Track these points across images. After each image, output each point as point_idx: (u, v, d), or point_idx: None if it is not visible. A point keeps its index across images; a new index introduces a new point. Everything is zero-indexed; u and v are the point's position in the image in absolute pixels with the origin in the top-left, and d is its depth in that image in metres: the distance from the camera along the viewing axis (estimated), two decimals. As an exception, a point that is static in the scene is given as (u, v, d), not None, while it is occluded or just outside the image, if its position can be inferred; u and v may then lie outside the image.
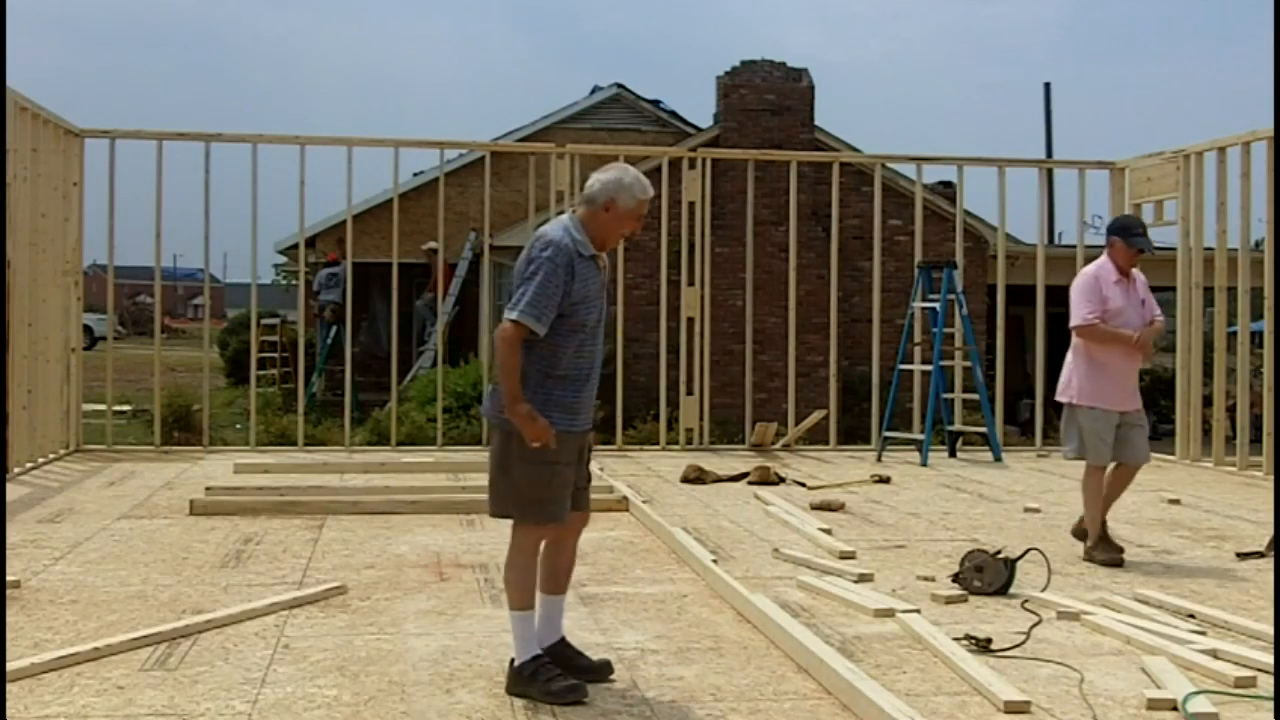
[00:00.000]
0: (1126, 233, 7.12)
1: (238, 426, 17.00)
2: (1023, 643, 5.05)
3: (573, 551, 4.69)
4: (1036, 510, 8.74)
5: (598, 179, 4.52)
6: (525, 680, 4.33)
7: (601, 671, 4.52)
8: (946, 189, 19.24)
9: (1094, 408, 6.96)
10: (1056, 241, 25.23)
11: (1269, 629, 5.18)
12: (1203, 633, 5.22)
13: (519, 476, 4.42)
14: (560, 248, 4.37)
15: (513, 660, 4.43)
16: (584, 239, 4.44)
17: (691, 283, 13.06)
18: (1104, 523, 6.94)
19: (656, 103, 23.83)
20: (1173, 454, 12.18)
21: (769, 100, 19.31)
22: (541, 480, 4.40)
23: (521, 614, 4.44)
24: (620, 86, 23.49)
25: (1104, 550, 6.80)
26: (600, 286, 4.51)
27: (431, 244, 19.13)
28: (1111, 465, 7.07)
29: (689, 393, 12.87)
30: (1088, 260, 13.28)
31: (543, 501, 4.43)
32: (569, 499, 4.50)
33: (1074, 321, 7.06)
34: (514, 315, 4.33)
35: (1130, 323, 6.99)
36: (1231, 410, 12.21)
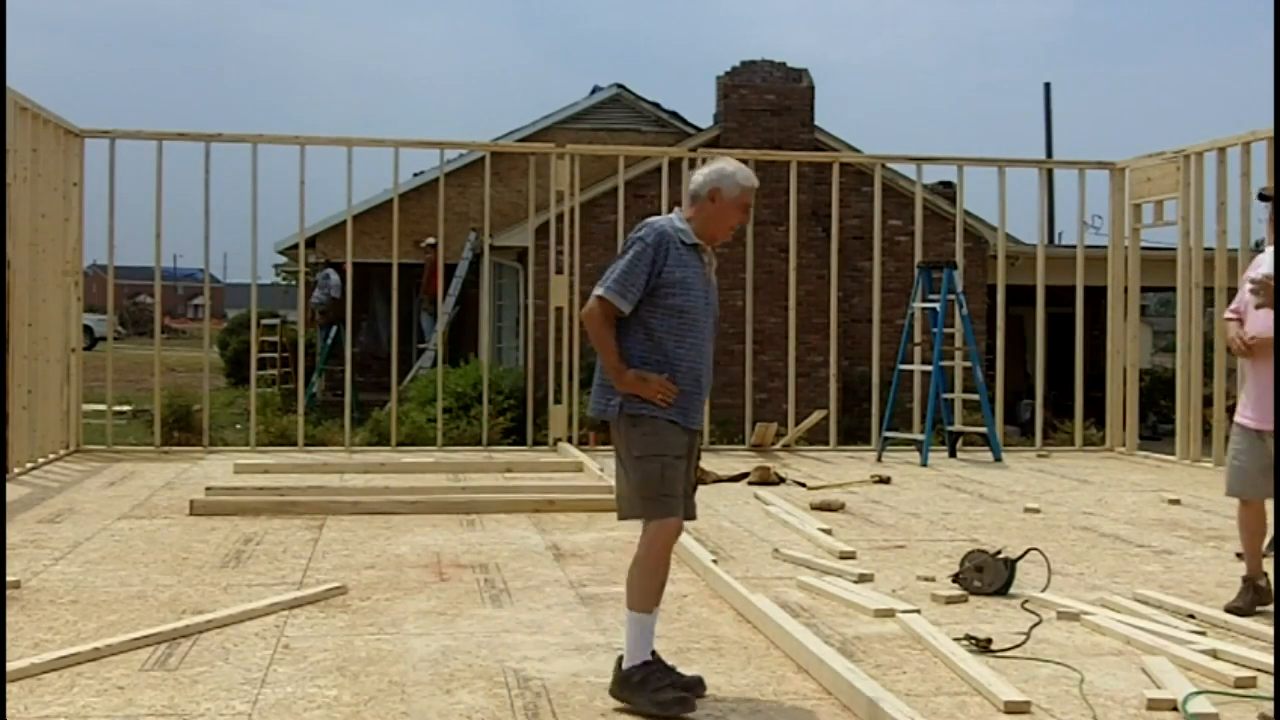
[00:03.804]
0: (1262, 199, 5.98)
1: (238, 426, 16.99)
2: (1023, 643, 5.05)
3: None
4: (1036, 510, 8.73)
5: (701, 172, 4.52)
6: (633, 686, 4.21)
7: (694, 688, 4.33)
8: (946, 189, 19.22)
9: (1234, 423, 5.94)
10: (1056, 241, 25.22)
11: (1269, 629, 5.18)
12: (1203, 633, 5.22)
13: (633, 472, 4.38)
14: (657, 229, 4.40)
15: (619, 663, 4.32)
16: (686, 228, 4.45)
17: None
18: (1258, 565, 5.73)
19: (656, 104, 23.80)
20: (1173, 454, 12.19)
21: (769, 100, 19.31)
22: (653, 475, 4.33)
23: (642, 616, 4.32)
24: (620, 87, 23.45)
25: (1239, 595, 5.69)
26: (702, 278, 4.45)
27: (430, 239, 19.11)
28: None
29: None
30: (1087, 261, 13.52)
31: (661, 497, 4.34)
32: (683, 494, 4.43)
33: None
34: (599, 291, 4.36)
35: None
36: (1231, 410, 12.15)
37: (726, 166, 4.53)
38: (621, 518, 4.52)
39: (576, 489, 9.16)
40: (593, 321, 4.37)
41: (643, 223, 4.47)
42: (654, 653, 4.36)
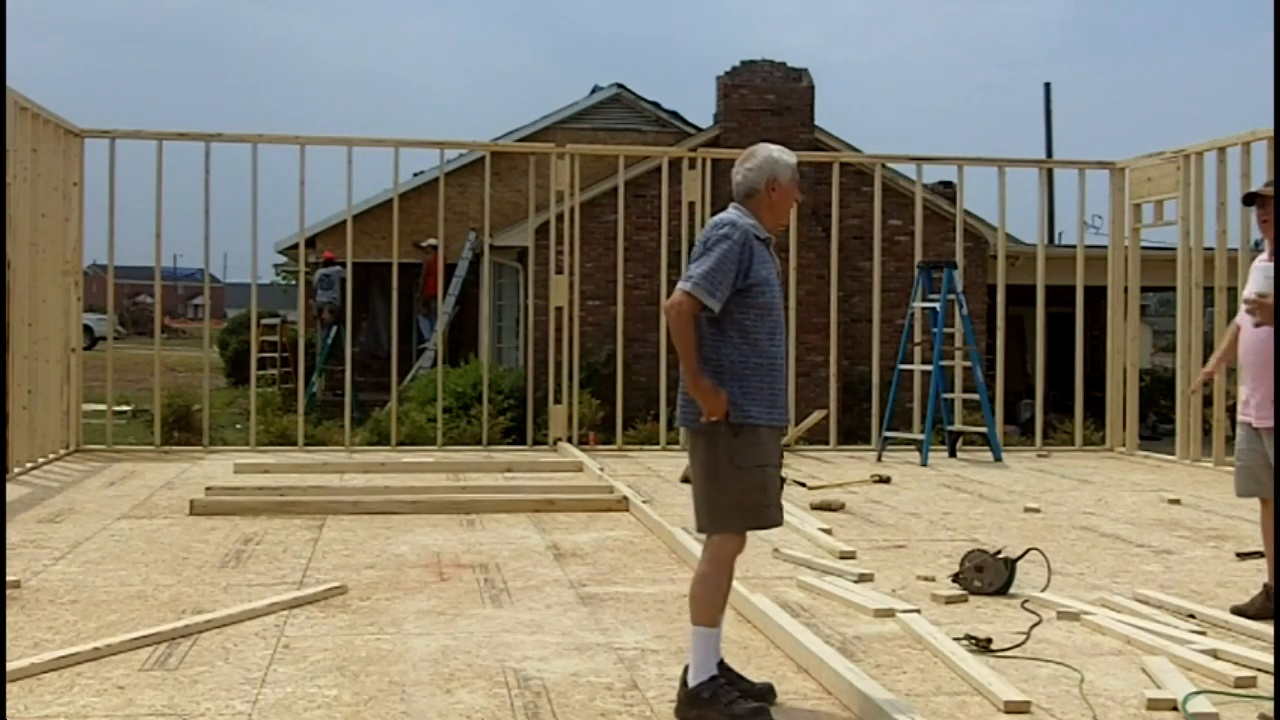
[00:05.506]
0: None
1: (238, 426, 17.00)
2: (1023, 643, 5.05)
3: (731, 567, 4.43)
4: (1036, 510, 8.73)
5: (746, 168, 4.40)
6: (704, 703, 4.09)
7: (765, 696, 4.27)
8: (946, 189, 19.23)
9: (1238, 419, 5.72)
10: (1056, 241, 25.25)
11: (1269, 629, 5.17)
12: (1203, 633, 5.22)
13: (733, 483, 4.20)
14: (739, 227, 4.26)
15: (684, 681, 4.19)
16: (757, 223, 4.34)
17: (691, 283, 13.04)
18: (1275, 575, 5.50)
19: (656, 104, 23.80)
20: (1173, 454, 12.19)
21: (769, 100, 19.31)
22: (756, 484, 4.22)
23: (709, 631, 4.18)
24: (620, 86, 23.45)
25: (1254, 599, 5.58)
26: (777, 273, 4.35)
27: (431, 240, 19.11)
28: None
29: (689, 393, 12.85)
30: (1087, 261, 13.51)
31: (761, 507, 4.23)
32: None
33: None
34: (686, 286, 4.19)
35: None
36: (1231, 410, 12.17)
37: (772, 153, 4.41)
38: (708, 530, 4.29)
39: (576, 489, 9.16)
40: (681, 317, 4.19)
41: (723, 221, 4.31)
42: (721, 662, 4.28)
